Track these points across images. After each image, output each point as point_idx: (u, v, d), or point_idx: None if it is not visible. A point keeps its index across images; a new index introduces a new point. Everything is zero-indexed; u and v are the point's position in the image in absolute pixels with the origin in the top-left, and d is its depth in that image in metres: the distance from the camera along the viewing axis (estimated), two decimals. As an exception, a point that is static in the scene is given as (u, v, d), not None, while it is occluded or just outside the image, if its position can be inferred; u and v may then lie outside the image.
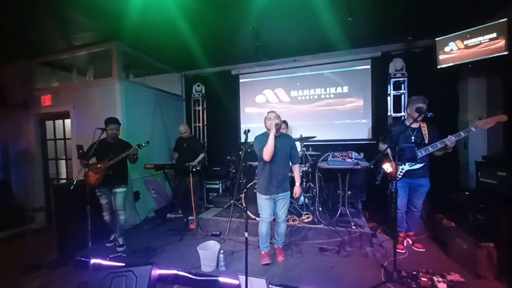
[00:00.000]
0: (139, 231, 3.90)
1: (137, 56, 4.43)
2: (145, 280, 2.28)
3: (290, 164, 2.81)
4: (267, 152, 2.50)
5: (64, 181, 4.83)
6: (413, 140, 2.80)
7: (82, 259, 2.98)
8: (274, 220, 2.83)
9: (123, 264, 2.74)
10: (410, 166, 2.81)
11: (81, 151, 2.92)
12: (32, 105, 4.57)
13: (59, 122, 4.70)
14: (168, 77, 5.64)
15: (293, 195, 2.77)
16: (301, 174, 3.28)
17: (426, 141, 2.76)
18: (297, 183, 2.79)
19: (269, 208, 2.69)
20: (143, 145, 3.15)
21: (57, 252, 3.12)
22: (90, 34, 3.73)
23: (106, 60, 4.12)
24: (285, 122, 4.18)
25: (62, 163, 4.87)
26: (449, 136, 2.60)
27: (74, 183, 2.74)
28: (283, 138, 2.72)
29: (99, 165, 3.08)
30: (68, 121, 4.43)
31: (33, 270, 2.92)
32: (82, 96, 4.22)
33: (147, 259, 2.92)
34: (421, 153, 2.72)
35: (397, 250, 2.45)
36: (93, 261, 2.82)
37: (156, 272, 2.53)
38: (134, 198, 4.17)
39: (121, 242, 3.25)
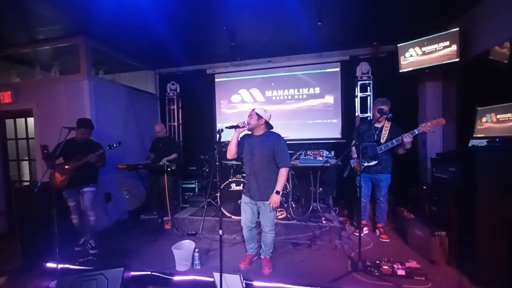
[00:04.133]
0: (111, 233, 3.77)
1: (108, 52, 4.26)
2: (116, 282, 2.23)
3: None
4: (228, 150, 2.46)
5: (27, 183, 4.53)
6: (375, 139, 3.09)
7: (49, 265, 2.83)
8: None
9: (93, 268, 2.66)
10: (367, 163, 3.10)
11: (45, 151, 2.78)
12: (-12, 103, 4.23)
13: (20, 121, 4.40)
14: (142, 74, 5.48)
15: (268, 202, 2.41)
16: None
17: (383, 141, 3.06)
18: (275, 190, 2.35)
19: (248, 214, 2.52)
20: (114, 145, 3.05)
21: (20, 258, 2.94)
22: (55, 28, 3.52)
23: (73, 55, 3.91)
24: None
25: (25, 164, 4.56)
26: (404, 134, 2.89)
27: (38, 185, 2.60)
28: (264, 138, 2.43)
29: (66, 166, 2.94)
30: (31, 120, 4.16)
31: (-8, 279, 2.73)
32: (46, 93, 3.98)
33: (120, 261, 2.85)
34: (381, 149, 3.01)
35: (355, 233, 2.67)
36: (60, 266, 2.69)
37: (129, 274, 2.49)
38: (106, 200, 4.04)
39: (93, 245, 3.14)
